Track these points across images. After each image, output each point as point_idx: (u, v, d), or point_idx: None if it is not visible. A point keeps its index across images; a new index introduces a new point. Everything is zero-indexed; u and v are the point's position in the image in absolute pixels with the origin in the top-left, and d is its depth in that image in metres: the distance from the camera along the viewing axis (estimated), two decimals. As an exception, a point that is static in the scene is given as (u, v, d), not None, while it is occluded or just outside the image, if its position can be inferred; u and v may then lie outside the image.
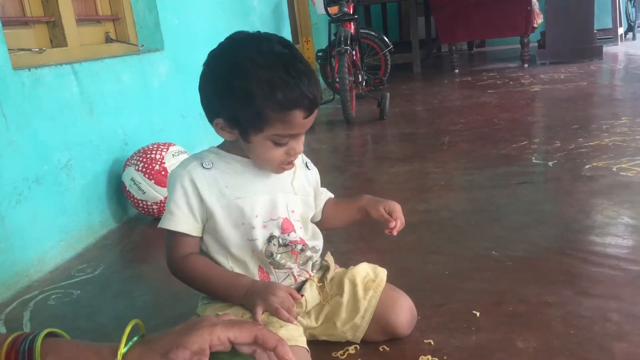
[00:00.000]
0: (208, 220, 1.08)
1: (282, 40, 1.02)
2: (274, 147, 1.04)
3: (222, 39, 1.05)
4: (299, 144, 1.06)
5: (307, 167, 1.20)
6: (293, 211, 1.13)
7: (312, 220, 1.20)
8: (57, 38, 2.04)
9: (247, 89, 0.97)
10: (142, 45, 2.50)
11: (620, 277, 1.32)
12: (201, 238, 1.10)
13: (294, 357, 0.64)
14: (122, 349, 0.61)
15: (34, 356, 0.60)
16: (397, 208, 1.18)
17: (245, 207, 1.07)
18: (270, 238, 1.09)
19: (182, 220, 1.06)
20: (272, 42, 1.00)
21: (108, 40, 2.37)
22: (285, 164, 1.08)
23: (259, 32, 1.04)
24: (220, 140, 1.12)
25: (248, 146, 1.06)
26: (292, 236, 1.11)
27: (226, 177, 1.08)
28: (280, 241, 1.10)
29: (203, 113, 1.08)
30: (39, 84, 1.73)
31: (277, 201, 1.10)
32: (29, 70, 1.70)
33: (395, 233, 1.15)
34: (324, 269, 1.22)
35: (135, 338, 0.63)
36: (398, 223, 1.15)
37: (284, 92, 0.97)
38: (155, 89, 2.42)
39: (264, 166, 1.09)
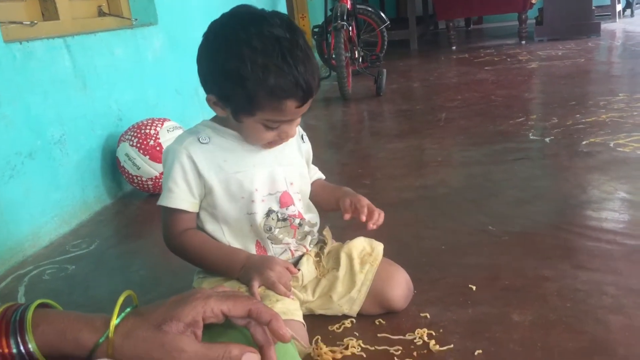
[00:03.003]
0: (206, 196, 1.07)
1: (285, 23, 0.97)
2: (265, 130, 1.02)
3: (217, 15, 1.02)
4: (292, 128, 1.04)
5: (302, 139, 1.19)
6: (292, 184, 1.12)
7: None
8: (49, 11, 2.00)
9: (240, 73, 0.94)
10: (136, 19, 2.46)
11: (616, 251, 1.31)
12: (197, 214, 1.10)
13: (288, 330, 0.63)
14: (115, 320, 0.60)
15: (25, 327, 0.59)
16: (363, 202, 1.11)
17: (244, 180, 1.06)
18: (269, 212, 1.08)
19: (180, 197, 1.05)
20: (273, 25, 0.96)
21: (100, 13, 2.33)
22: (275, 144, 1.07)
23: (263, 10, 1.00)
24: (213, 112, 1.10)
25: (239, 125, 1.05)
26: (291, 210, 1.11)
27: (224, 151, 1.06)
28: (279, 215, 1.09)
29: (198, 89, 1.06)
30: (31, 57, 1.71)
31: (276, 174, 1.09)
32: (20, 44, 1.68)
33: (372, 225, 1.09)
34: (322, 243, 1.21)
35: (128, 309, 0.62)
36: (375, 214, 1.09)
37: (277, 80, 0.94)
38: (150, 64, 2.39)
39: (252, 143, 1.07)
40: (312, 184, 1.22)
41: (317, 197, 1.21)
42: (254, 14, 0.98)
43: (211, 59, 1.00)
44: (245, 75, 0.94)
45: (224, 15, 1.01)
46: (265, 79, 0.94)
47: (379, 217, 1.10)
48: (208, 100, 1.04)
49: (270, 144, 1.07)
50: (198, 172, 1.05)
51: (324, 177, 1.27)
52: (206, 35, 1.02)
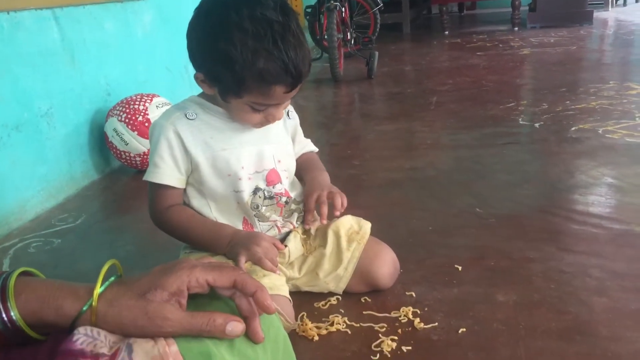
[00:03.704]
0: (193, 172, 1.07)
1: (279, 5, 0.95)
2: (252, 111, 1.02)
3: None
4: (279, 111, 1.04)
5: (288, 115, 1.18)
6: (279, 161, 1.11)
7: None
8: (37, -18, 1.97)
9: (230, 55, 0.93)
10: (126, -7, 2.43)
11: (602, 235, 1.32)
12: (184, 190, 1.09)
13: (273, 303, 0.63)
14: (99, 289, 0.59)
15: (7, 294, 0.58)
16: (323, 199, 1.11)
17: (231, 158, 1.05)
18: (256, 190, 1.08)
19: (166, 173, 1.05)
20: (267, 7, 0.94)
21: (90, -14, 2.29)
22: (262, 125, 1.06)
23: None
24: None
25: (226, 105, 1.04)
26: (278, 188, 1.10)
27: (211, 128, 1.06)
28: (266, 193, 1.09)
29: (188, 66, 1.05)
30: (19, 27, 1.68)
31: (264, 152, 1.09)
32: (8, 14, 1.65)
33: (324, 221, 1.11)
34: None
35: (112, 278, 0.62)
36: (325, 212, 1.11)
37: (267, 65, 0.93)
38: (139, 39, 2.37)
39: (239, 122, 1.07)
40: (300, 157, 1.22)
41: (298, 172, 1.21)
42: None
43: (201, 38, 0.98)
44: (234, 58, 0.93)
45: None
46: (254, 63, 0.93)
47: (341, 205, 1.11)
48: (196, 77, 1.03)
49: (257, 125, 1.06)
50: (184, 148, 1.04)
51: (315, 149, 1.26)
52: (197, 12, 1.00)
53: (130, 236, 1.56)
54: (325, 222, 1.11)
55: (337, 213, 1.11)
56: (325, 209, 1.10)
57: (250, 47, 0.92)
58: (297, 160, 1.21)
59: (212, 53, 0.96)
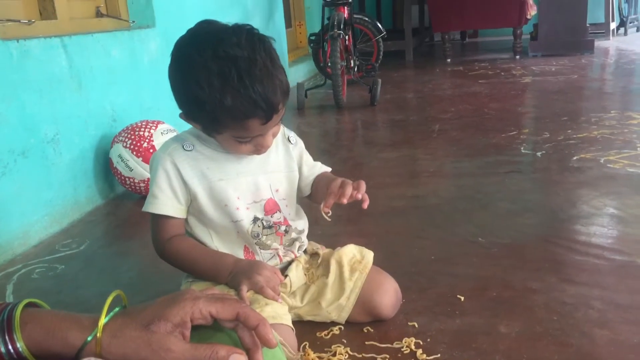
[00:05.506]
0: (192, 202, 1.08)
1: (245, 39, 0.95)
2: (238, 143, 1.02)
3: (214, 18, 1.02)
4: (266, 140, 1.03)
5: (290, 141, 1.17)
6: (277, 190, 1.12)
7: (301, 194, 1.19)
8: (47, 10, 2.00)
9: (198, 96, 0.94)
10: (133, 21, 2.46)
11: (604, 266, 1.32)
12: (185, 219, 1.10)
13: (275, 336, 0.63)
14: (103, 320, 0.60)
15: (13, 325, 0.59)
16: (348, 190, 1.06)
17: (228, 188, 1.06)
18: (255, 219, 1.09)
19: (165, 203, 1.06)
20: (230, 45, 0.93)
21: (98, 14, 2.33)
22: (255, 153, 1.06)
23: (225, 26, 0.98)
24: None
25: (214, 139, 1.05)
26: (276, 217, 1.11)
27: (207, 159, 1.07)
28: (265, 223, 1.10)
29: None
30: (27, 55, 1.71)
31: (260, 183, 1.09)
32: (17, 42, 1.68)
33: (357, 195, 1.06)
34: (311, 252, 1.21)
35: (117, 309, 0.63)
36: (348, 189, 1.06)
37: (235, 102, 0.93)
38: (145, 66, 2.40)
39: (232, 153, 1.07)
40: (315, 178, 1.19)
41: (315, 189, 1.18)
42: (210, 34, 0.96)
43: (174, 81, 1.01)
44: (203, 99, 0.94)
45: (184, 36, 1.00)
46: (222, 101, 0.93)
47: (358, 188, 1.06)
48: (180, 116, 1.05)
49: (249, 154, 1.07)
50: (182, 179, 1.05)
51: (329, 169, 1.24)
52: (171, 55, 1.01)
53: (134, 262, 1.56)
54: (345, 201, 1.05)
55: (359, 195, 1.05)
56: (349, 190, 1.05)
57: (216, 86, 0.93)
58: (315, 182, 1.19)
59: (184, 95, 0.98)
